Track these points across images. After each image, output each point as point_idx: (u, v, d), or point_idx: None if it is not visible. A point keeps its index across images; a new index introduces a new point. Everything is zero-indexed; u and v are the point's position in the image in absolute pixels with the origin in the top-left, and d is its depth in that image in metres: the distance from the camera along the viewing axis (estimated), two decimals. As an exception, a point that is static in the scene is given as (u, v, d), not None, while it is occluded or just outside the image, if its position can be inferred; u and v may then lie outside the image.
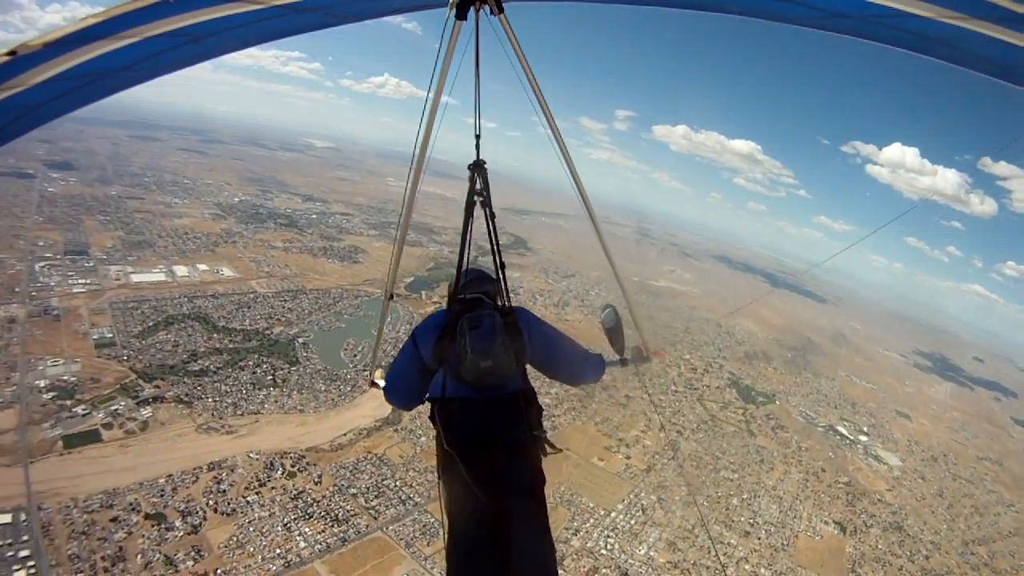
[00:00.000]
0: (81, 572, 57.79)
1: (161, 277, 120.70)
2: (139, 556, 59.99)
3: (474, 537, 4.72)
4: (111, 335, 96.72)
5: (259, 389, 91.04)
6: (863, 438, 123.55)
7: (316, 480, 76.02)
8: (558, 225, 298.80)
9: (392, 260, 7.71)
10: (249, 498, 70.78)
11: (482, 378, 5.38)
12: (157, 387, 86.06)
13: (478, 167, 5.96)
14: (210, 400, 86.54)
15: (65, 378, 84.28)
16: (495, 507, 4.80)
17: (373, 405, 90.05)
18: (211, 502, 68.84)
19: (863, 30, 3.92)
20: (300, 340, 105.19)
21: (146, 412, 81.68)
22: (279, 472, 75.94)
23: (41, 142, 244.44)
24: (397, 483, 76.87)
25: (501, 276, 6.31)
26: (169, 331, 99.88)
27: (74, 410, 78.88)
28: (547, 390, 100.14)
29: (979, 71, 3.66)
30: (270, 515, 68.99)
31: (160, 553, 60.94)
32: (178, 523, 65.07)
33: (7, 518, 62.19)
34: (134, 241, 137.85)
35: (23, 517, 62.72)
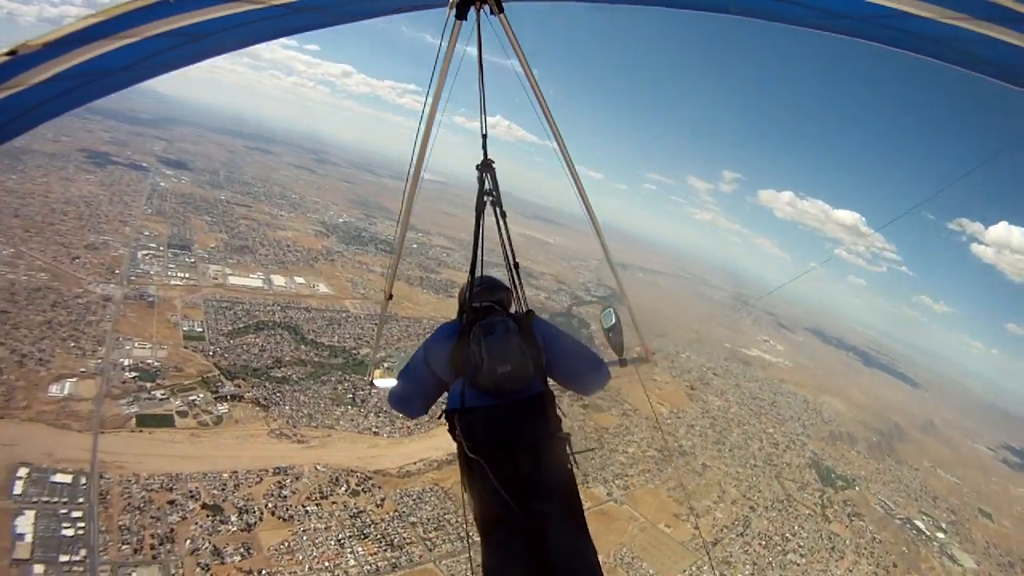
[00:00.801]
0: (128, 544, 60.81)
1: (258, 283, 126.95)
2: (188, 541, 62.84)
3: (511, 544, 4.81)
4: (201, 329, 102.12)
5: (337, 405, 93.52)
6: (940, 535, 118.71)
7: (378, 503, 77.39)
8: (655, 282, 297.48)
9: (392, 260, 8.11)
10: (308, 508, 72.80)
11: (501, 384, 5.48)
12: (237, 386, 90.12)
13: (486, 167, 6.10)
14: (287, 408, 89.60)
15: (150, 361, 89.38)
16: (528, 512, 4.88)
17: (448, 439, 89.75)
18: (270, 504, 71.27)
19: (863, 30, 4.06)
20: (385, 365, 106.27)
21: (222, 408, 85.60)
22: (343, 488, 77.66)
23: (159, 139, 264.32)
24: (459, 519, 76.03)
25: (515, 277, 6.59)
26: (258, 335, 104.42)
27: (153, 393, 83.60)
28: (625, 448, 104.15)
29: (979, 72, 3.78)
30: (326, 528, 70.75)
31: (210, 543, 63.61)
32: (233, 518, 67.77)
33: (68, 479, 66.62)
34: (237, 245, 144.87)
35: (83, 481, 66.80)
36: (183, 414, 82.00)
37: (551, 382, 6.13)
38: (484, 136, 5.91)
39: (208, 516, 66.84)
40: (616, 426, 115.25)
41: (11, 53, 3.17)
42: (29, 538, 59.30)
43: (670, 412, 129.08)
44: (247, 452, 78.64)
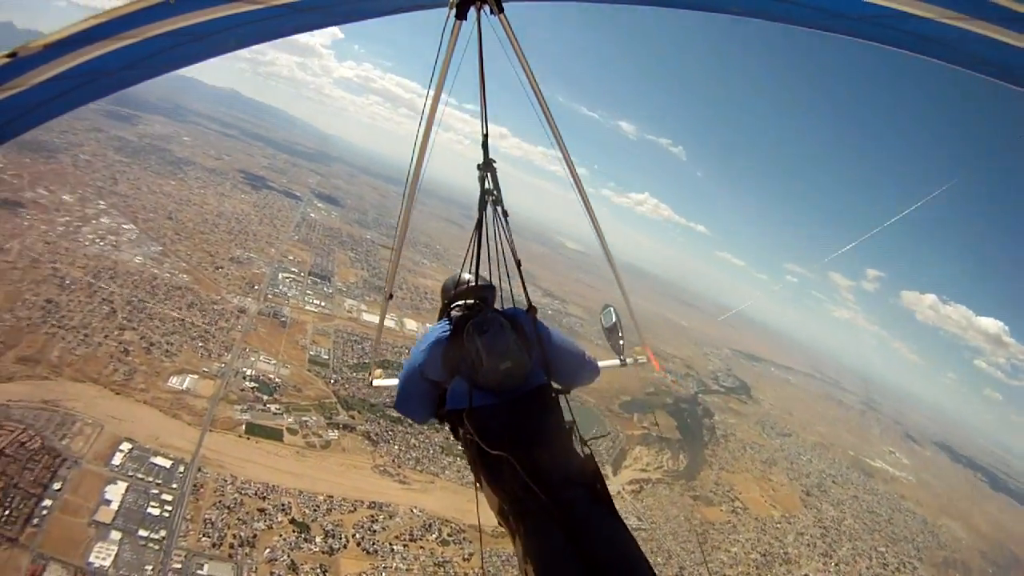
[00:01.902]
0: (208, 537, 65.08)
1: (391, 324, 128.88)
2: (268, 550, 66.24)
3: (548, 532, 4.87)
4: (327, 357, 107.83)
5: (446, 455, 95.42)
6: None
7: (466, 557, 78.10)
8: (786, 379, 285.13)
9: (391, 260, 8.21)
10: (395, 547, 74.69)
11: (504, 380, 5.73)
12: (352, 417, 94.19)
13: (488, 167, 6.29)
14: (396, 447, 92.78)
15: (271, 376, 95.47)
16: (557, 501, 5.00)
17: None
18: (358, 535, 73.63)
19: (862, 31, 4.19)
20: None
21: (333, 434, 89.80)
22: (434, 535, 79.14)
23: (315, 173, 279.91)
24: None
25: (519, 275, 6.85)
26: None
27: (268, 406, 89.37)
28: (728, 547, 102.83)
29: (979, 72, 3.88)
30: (407, 570, 72.33)
31: (289, 557, 66.71)
32: (318, 539, 70.60)
33: (167, 463, 72.58)
34: (375, 284, 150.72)
35: (181, 469, 72.47)
36: (293, 432, 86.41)
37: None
38: (485, 136, 6.06)
39: (294, 531, 69.94)
40: (723, 522, 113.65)
41: (11, 55, 3.43)
42: (115, 506, 64.78)
43: (781, 516, 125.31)
44: (347, 481, 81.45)
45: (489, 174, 6.29)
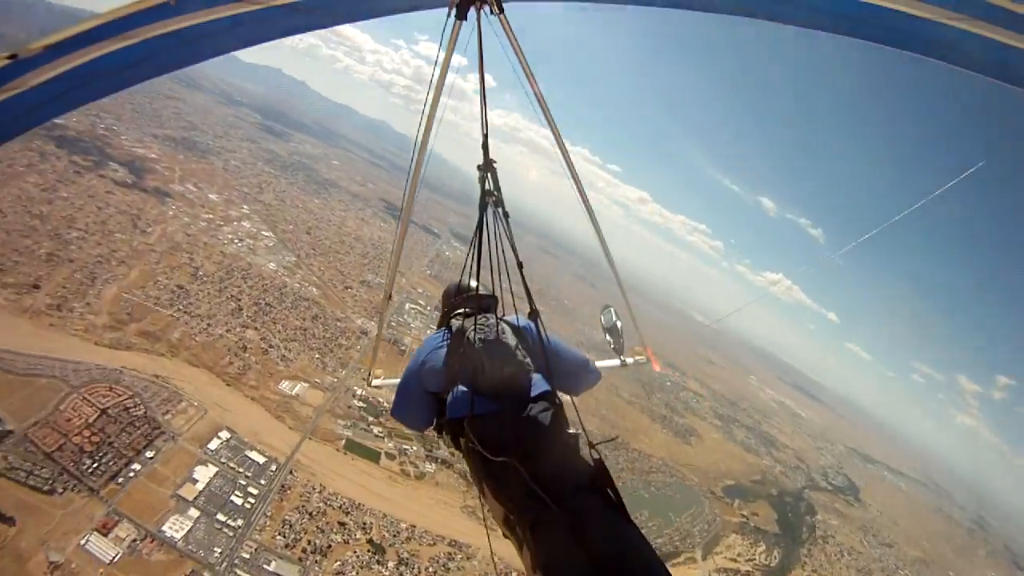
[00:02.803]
0: (283, 536, 67.42)
1: None
2: (338, 563, 67.66)
3: (559, 539, 4.80)
4: None
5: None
6: None
7: None
8: (897, 485, 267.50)
9: (391, 261, 8.41)
10: None
11: (505, 387, 5.77)
12: (452, 454, 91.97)
13: (488, 168, 6.24)
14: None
15: (380, 400, 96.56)
16: (566, 508, 4.91)
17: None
18: (431, 568, 74.29)
19: (861, 31, 4.23)
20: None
21: (429, 467, 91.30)
22: None
23: (456, 212, 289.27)
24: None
25: (521, 278, 6.63)
26: None
27: (371, 427, 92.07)
28: None
29: (979, 72, 3.89)
30: None
31: (357, 574, 67.45)
32: (391, 564, 71.52)
33: (260, 459, 75.78)
34: None
35: (273, 468, 75.50)
36: (391, 456, 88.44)
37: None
38: (485, 136, 5.97)
39: (369, 551, 71.25)
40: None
41: (12, 56, 3.56)
42: (200, 486, 68.29)
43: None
44: (433, 514, 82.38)
45: (490, 175, 6.25)
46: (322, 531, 70.01)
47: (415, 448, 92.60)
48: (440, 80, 5.29)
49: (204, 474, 69.83)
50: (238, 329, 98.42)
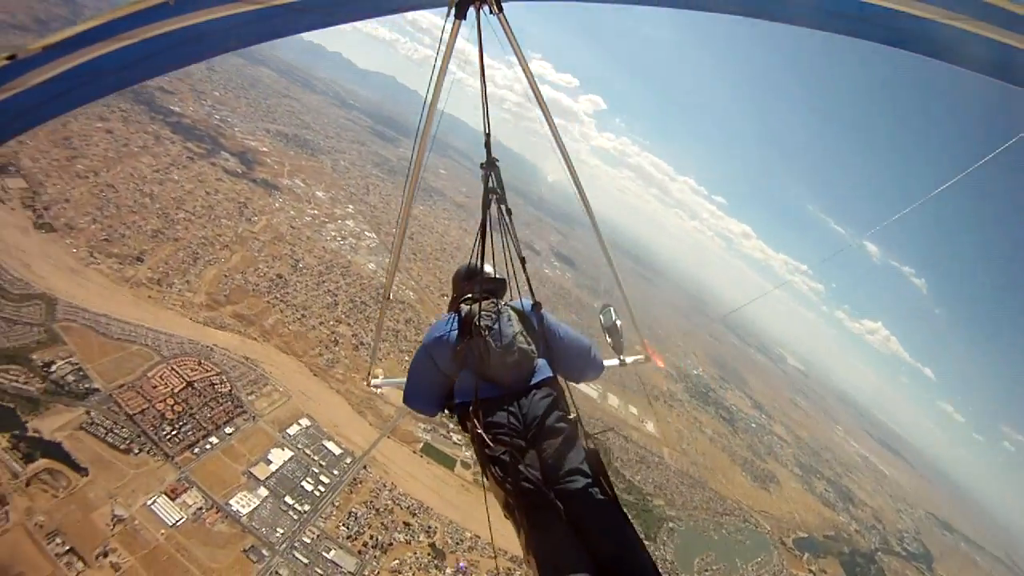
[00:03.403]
0: (346, 527, 68.36)
1: (593, 394, 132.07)
2: (397, 561, 68.10)
3: (553, 525, 4.97)
4: None
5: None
6: None
7: None
8: (974, 559, 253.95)
9: (390, 264, 8.57)
10: None
11: (510, 372, 6.06)
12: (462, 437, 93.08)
13: (491, 165, 6.42)
14: None
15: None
16: (561, 494, 5.16)
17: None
18: None
19: (861, 30, 4.24)
20: (670, 524, 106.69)
21: None
22: None
23: (558, 232, 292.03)
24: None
25: (522, 271, 6.88)
26: None
27: (451, 434, 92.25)
28: None
29: (979, 72, 3.92)
30: None
31: (413, 575, 67.82)
32: (449, 570, 71.59)
33: (336, 450, 77.43)
34: None
35: (348, 460, 77.00)
36: (466, 466, 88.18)
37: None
38: (487, 135, 6.23)
39: (430, 555, 71.49)
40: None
41: (10, 57, 3.64)
42: (273, 468, 69.99)
43: None
44: (502, 526, 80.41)
45: (492, 173, 6.45)
46: (386, 528, 70.74)
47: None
48: (440, 79, 5.51)
49: (279, 457, 71.59)
50: (331, 323, 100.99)
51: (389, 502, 74.32)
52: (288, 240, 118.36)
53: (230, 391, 76.07)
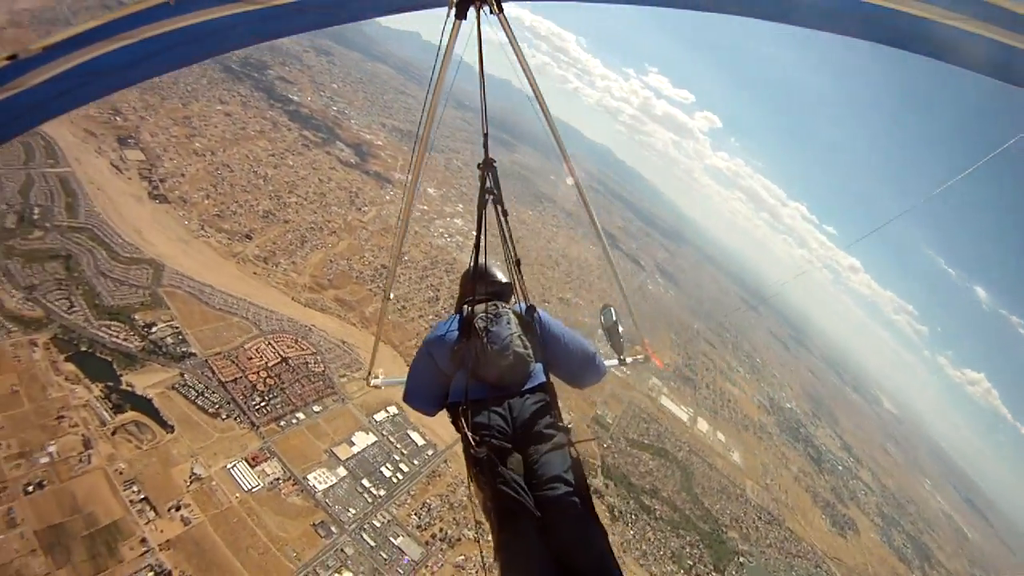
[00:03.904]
0: (417, 516, 68.53)
1: (683, 417, 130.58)
2: (462, 557, 67.79)
3: (524, 533, 4.85)
4: (611, 421, 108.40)
5: (673, 562, 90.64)
6: None
7: None
8: None
9: (390, 264, 8.40)
10: None
11: (503, 375, 5.91)
12: (605, 485, 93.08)
13: (488, 165, 6.25)
14: (631, 532, 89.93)
15: None
16: (538, 501, 5.02)
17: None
18: None
19: (862, 30, 4.16)
20: (741, 559, 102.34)
21: None
22: None
23: (664, 248, 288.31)
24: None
25: (516, 273, 6.78)
26: (654, 459, 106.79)
27: None
28: None
29: (979, 72, 3.82)
30: None
31: (476, 574, 67.59)
32: None
33: (420, 441, 78.38)
34: (684, 374, 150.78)
35: (430, 452, 77.35)
36: None
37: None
38: (485, 135, 6.09)
39: (495, 558, 70.15)
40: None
41: (11, 57, 3.64)
42: (355, 450, 70.76)
43: None
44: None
45: (489, 173, 6.33)
46: (457, 524, 70.45)
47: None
48: (440, 79, 5.40)
49: (362, 440, 72.30)
50: (431, 317, 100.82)
51: (464, 499, 73.27)
52: (395, 232, 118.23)
53: (323, 371, 77.34)
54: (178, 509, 53.18)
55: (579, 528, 4.84)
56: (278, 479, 61.60)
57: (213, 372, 68.16)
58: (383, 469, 70.28)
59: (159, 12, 3.88)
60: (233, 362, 70.90)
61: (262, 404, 68.39)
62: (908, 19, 3.59)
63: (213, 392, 66.01)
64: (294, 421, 69.13)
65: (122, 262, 76.15)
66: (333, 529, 60.47)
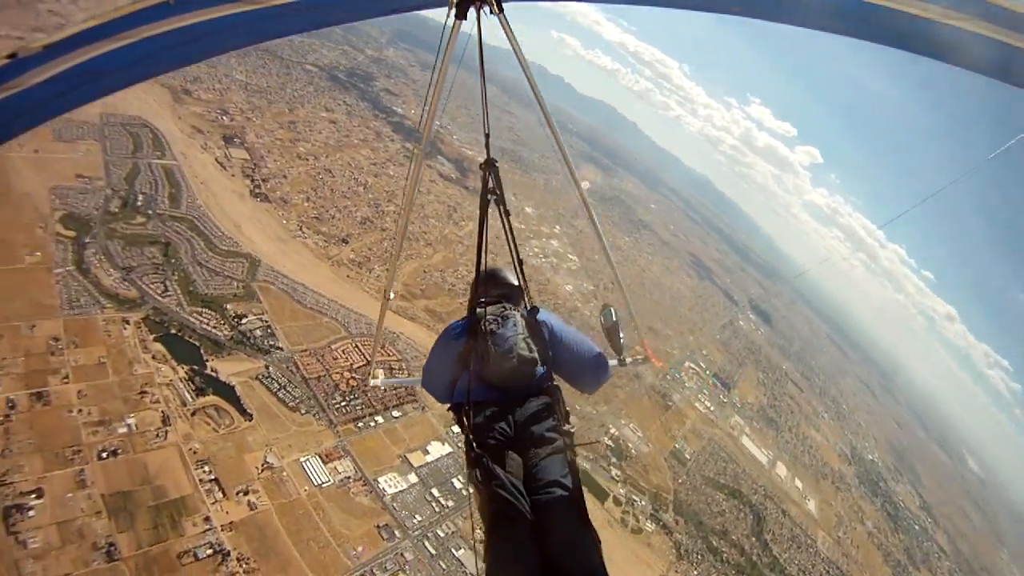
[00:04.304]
0: (481, 531, 66.55)
1: (762, 459, 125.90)
2: None
3: (515, 538, 4.81)
4: (689, 456, 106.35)
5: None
6: None
7: None
8: None
9: (390, 263, 8.15)
10: None
11: (507, 378, 5.83)
12: (676, 522, 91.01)
13: (490, 165, 6.11)
14: (695, 573, 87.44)
15: (630, 445, 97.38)
16: (533, 506, 4.99)
17: None
18: None
19: (862, 31, 4.07)
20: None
21: (649, 525, 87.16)
22: None
23: (759, 285, 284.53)
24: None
25: (520, 274, 6.70)
26: (728, 500, 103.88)
27: (611, 468, 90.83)
28: None
29: (979, 72, 3.75)
30: None
31: None
32: None
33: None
34: (768, 416, 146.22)
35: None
36: (618, 502, 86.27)
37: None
38: (487, 135, 6.05)
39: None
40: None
41: (11, 56, 3.63)
42: (429, 459, 71.89)
43: None
44: (633, 571, 79.39)
45: (491, 173, 6.17)
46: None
47: (643, 503, 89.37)
48: (440, 79, 5.38)
49: (437, 450, 72.33)
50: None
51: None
52: (491, 248, 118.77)
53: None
54: (246, 494, 54.36)
55: (571, 533, 4.84)
56: (349, 478, 62.31)
57: (298, 368, 69.64)
58: (454, 480, 69.87)
59: (159, 12, 3.91)
60: (319, 360, 72.21)
61: (342, 404, 69.48)
62: (908, 20, 3.60)
63: (295, 387, 67.45)
64: (372, 424, 69.83)
65: (219, 254, 78.74)
66: (396, 533, 60.65)
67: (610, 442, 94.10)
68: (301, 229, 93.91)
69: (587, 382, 6.63)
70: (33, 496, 46.46)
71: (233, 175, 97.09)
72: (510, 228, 6.29)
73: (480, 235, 6.10)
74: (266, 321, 72.98)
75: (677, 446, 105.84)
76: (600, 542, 4.81)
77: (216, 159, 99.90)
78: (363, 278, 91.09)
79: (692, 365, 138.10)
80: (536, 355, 5.90)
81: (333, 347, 75.32)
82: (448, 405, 6.46)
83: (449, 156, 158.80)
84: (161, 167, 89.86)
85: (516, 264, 6.50)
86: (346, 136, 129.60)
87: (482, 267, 6.37)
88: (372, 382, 9.63)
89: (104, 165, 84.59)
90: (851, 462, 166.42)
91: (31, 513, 45.52)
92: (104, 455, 50.95)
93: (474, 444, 5.37)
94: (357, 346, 77.17)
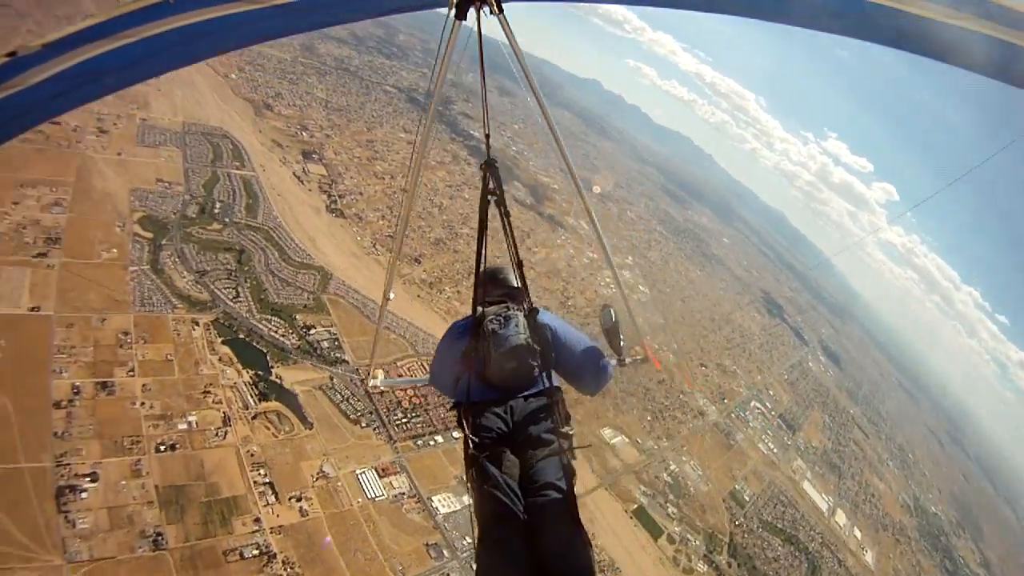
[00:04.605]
0: None
1: (822, 505, 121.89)
2: None
3: (508, 540, 4.79)
4: (748, 498, 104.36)
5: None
6: None
7: None
8: None
9: (390, 263, 8.39)
10: None
11: (508, 378, 5.83)
12: (729, 564, 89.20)
13: (489, 166, 6.00)
14: None
15: (688, 483, 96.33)
16: (527, 508, 4.96)
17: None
18: None
19: (862, 30, 4.09)
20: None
21: (701, 566, 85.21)
22: None
23: (830, 325, 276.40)
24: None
25: (519, 274, 6.58)
26: (783, 545, 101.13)
27: (668, 505, 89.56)
28: None
29: (979, 72, 3.71)
30: None
31: None
32: None
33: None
34: (831, 461, 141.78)
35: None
36: (672, 540, 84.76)
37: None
38: (487, 136, 6.08)
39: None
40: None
41: (11, 55, 3.62)
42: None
43: None
44: None
45: (491, 174, 6.06)
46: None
47: (698, 543, 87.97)
48: (439, 79, 5.50)
49: (495, 474, 71.73)
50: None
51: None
52: (563, 276, 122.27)
53: (466, 399, 77.76)
54: (299, 500, 55.60)
55: (563, 536, 4.82)
56: (403, 494, 63.28)
57: (362, 381, 68.86)
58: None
59: (159, 11, 3.93)
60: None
61: (403, 420, 70.95)
62: (909, 19, 3.61)
63: (358, 400, 69.03)
64: (431, 443, 70.92)
65: (292, 265, 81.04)
66: (445, 553, 61.10)
67: (669, 478, 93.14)
68: (375, 246, 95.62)
69: (588, 383, 6.62)
70: (88, 479, 48.53)
71: (310, 190, 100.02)
72: (510, 228, 6.23)
73: (480, 235, 6.18)
74: (334, 333, 74.54)
75: (737, 487, 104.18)
76: (591, 545, 4.84)
77: (294, 173, 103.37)
78: (433, 299, 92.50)
79: (758, 404, 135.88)
80: (537, 356, 5.91)
81: (399, 364, 76.67)
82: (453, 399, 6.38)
83: (524, 181, 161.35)
84: (240, 177, 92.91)
85: (515, 265, 6.39)
86: (423, 158, 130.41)
87: (482, 268, 6.33)
88: (371, 382, 9.38)
89: (184, 171, 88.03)
90: (913, 514, 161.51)
91: (84, 495, 47.61)
92: (162, 448, 53.08)
93: (472, 444, 5.42)
94: (423, 365, 78.03)
